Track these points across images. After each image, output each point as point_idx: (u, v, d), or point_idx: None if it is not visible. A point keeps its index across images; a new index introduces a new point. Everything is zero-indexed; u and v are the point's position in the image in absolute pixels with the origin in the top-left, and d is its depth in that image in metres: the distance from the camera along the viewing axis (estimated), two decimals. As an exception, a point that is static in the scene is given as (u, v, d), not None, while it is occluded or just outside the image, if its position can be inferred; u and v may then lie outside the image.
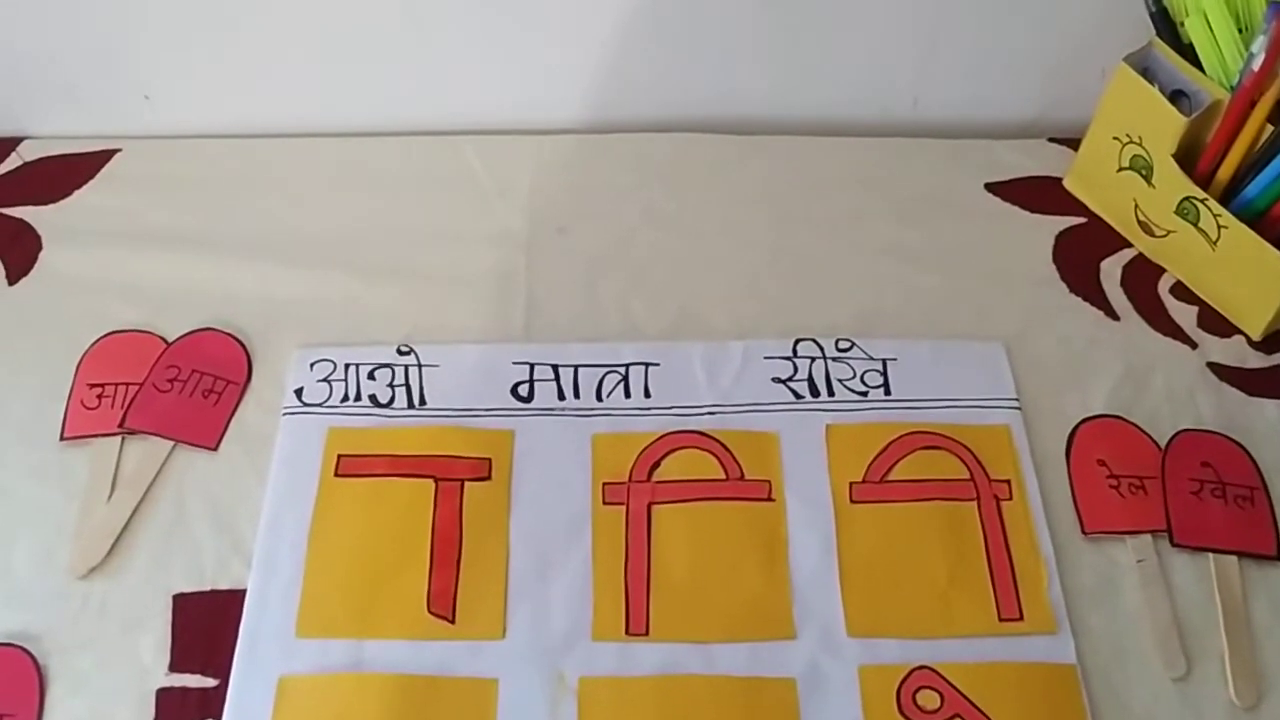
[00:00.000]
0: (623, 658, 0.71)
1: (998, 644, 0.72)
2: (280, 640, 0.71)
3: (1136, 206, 0.89)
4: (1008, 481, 0.78)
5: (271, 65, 0.94)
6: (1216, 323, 0.87)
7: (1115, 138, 0.88)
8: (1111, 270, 0.90)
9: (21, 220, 0.91)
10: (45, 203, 0.93)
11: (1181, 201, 0.85)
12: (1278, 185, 0.81)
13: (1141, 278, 0.90)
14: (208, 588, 0.74)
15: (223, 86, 0.95)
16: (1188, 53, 0.85)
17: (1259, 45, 0.78)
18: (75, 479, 0.78)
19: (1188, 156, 0.85)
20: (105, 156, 0.96)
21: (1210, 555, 0.76)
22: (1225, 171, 0.84)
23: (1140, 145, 0.87)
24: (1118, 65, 0.85)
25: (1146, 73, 0.86)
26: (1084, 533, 0.77)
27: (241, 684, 0.70)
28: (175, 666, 0.71)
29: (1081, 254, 0.91)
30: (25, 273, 0.89)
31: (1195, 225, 0.85)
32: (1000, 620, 0.73)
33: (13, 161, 0.95)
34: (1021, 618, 0.73)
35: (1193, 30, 0.83)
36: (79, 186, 0.94)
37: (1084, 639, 0.73)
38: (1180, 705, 0.71)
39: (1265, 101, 0.80)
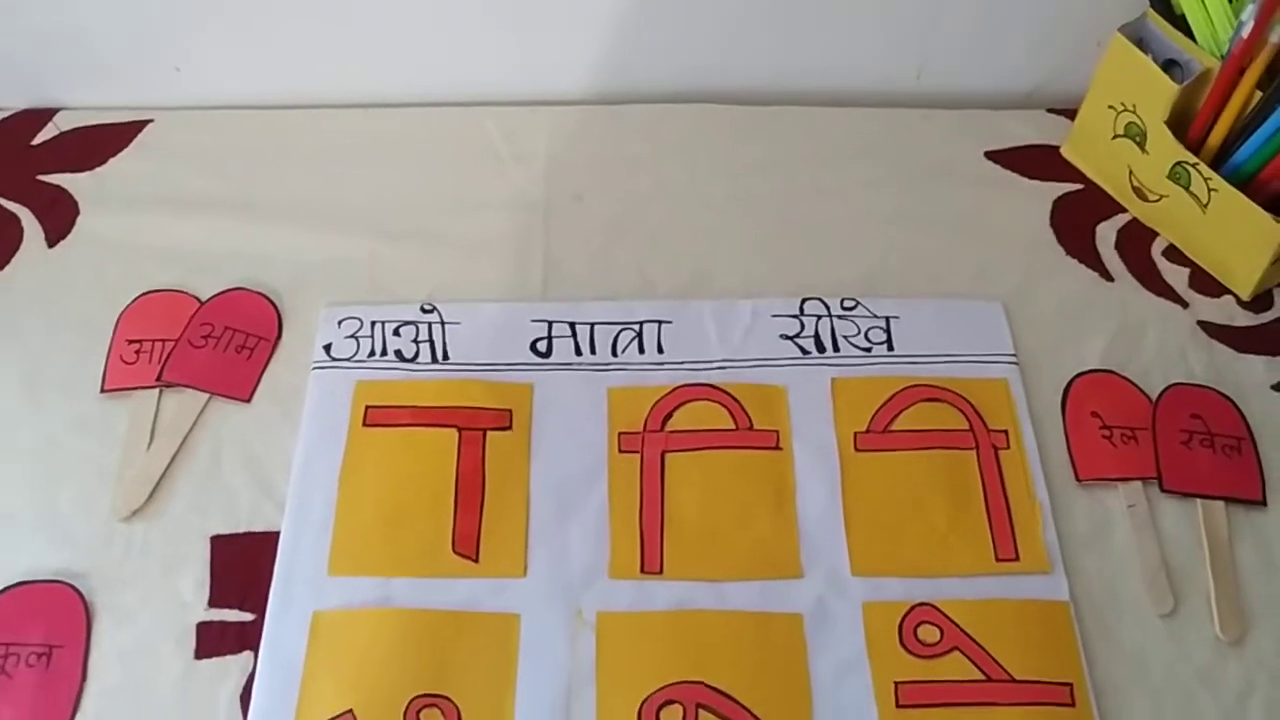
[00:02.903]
0: (638, 594, 0.75)
1: (995, 583, 0.76)
2: (313, 578, 0.75)
3: (1131, 172, 0.93)
4: (1005, 431, 0.82)
5: (298, 39, 0.97)
6: (1207, 283, 0.91)
7: (1110, 106, 0.92)
8: (1106, 234, 0.94)
9: (59, 187, 0.95)
10: (81, 170, 0.96)
11: (1174, 166, 0.89)
12: (1266, 149, 0.85)
13: (1135, 241, 0.93)
14: (243, 530, 0.78)
15: (250, 59, 0.99)
16: (1180, 23, 0.88)
17: (1248, 14, 0.81)
18: (116, 429, 0.82)
19: (1180, 123, 0.88)
20: (138, 127, 0.99)
21: (1198, 501, 0.80)
22: (1216, 137, 0.87)
23: (1134, 113, 0.90)
24: (1113, 36, 0.89)
25: (1141, 43, 0.89)
26: (1078, 480, 0.80)
27: (277, 618, 0.73)
28: (214, 602, 0.75)
29: (1078, 218, 0.94)
30: (63, 236, 0.92)
31: (1187, 189, 0.89)
32: (997, 560, 0.77)
33: (49, 131, 0.99)
34: (1017, 558, 0.77)
35: (1185, 1, 0.87)
36: (113, 155, 0.97)
37: (1077, 578, 0.76)
38: (1168, 640, 0.74)
39: (1254, 69, 0.84)
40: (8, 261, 0.91)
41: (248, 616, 0.74)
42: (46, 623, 0.74)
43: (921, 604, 0.75)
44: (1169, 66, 0.88)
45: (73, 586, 0.75)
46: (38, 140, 0.98)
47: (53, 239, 0.92)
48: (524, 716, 0.71)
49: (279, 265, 0.90)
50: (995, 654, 0.73)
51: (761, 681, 0.72)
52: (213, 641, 0.74)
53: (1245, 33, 0.82)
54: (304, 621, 0.73)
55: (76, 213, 0.93)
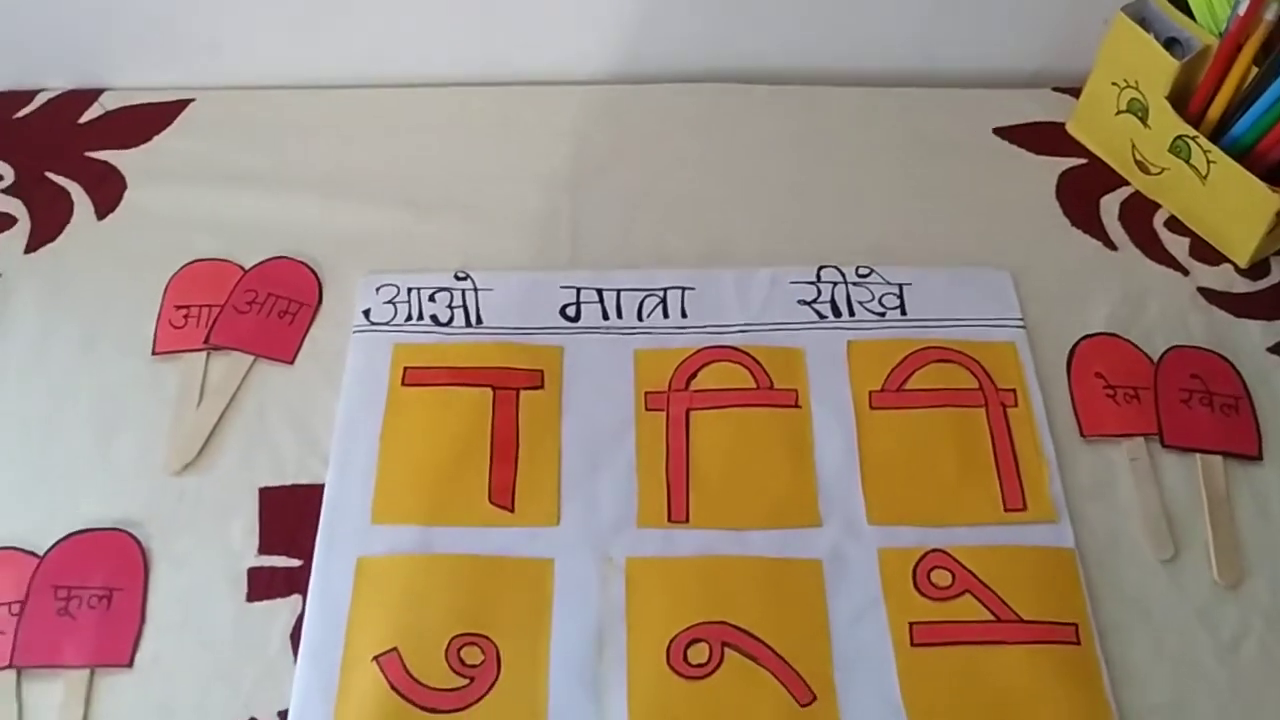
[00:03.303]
0: (665, 542, 0.79)
1: (1004, 531, 0.80)
2: (357, 526, 0.79)
3: (1133, 146, 0.97)
4: (1013, 390, 0.86)
5: (334, 22, 1.01)
6: (1206, 252, 0.95)
7: (1114, 83, 0.96)
8: (1110, 206, 0.98)
9: (107, 163, 0.99)
10: (127, 147, 1.00)
11: (1175, 140, 0.93)
12: (1263, 122, 0.89)
13: (1138, 212, 0.97)
14: (289, 482, 0.82)
15: (287, 41, 1.03)
16: (1180, 3, 0.92)
17: (1244, -7, 0.85)
18: (166, 389, 0.86)
19: (1180, 99, 0.92)
20: (180, 106, 1.04)
21: (1197, 456, 0.84)
22: (1215, 111, 0.91)
23: (1137, 89, 0.94)
24: (1116, 15, 0.93)
25: (1143, 23, 0.93)
26: (1082, 435, 0.84)
27: (324, 563, 0.78)
28: (263, 549, 0.79)
29: (1082, 191, 0.98)
30: (112, 209, 0.97)
31: (1187, 162, 0.93)
32: (1006, 510, 0.81)
33: (95, 111, 1.03)
34: (1025, 508, 0.81)
35: (1185, -19, 0.91)
36: (158, 132, 1.02)
37: (1081, 527, 0.80)
38: (1168, 584, 0.78)
39: (1250, 45, 0.88)
40: (59, 233, 0.95)
41: (295, 562, 0.78)
42: (106, 568, 0.78)
43: (934, 550, 0.79)
44: (1170, 44, 0.92)
45: (130, 534, 0.79)
46: (84, 119, 1.03)
47: (102, 212, 0.96)
48: (559, 653, 0.74)
49: (318, 236, 0.94)
50: (1004, 596, 0.77)
51: (783, 622, 0.76)
52: (263, 585, 0.78)
53: (1242, 10, 0.86)
54: (349, 566, 0.77)
55: (124, 187, 0.98)
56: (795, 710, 0.73)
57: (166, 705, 0.73)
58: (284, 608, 0.77)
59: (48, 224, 0.95)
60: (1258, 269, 0.94)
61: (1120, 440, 0.84)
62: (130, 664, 0.75)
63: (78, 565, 0.78)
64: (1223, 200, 0.91)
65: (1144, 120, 0.94)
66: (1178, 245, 0.95)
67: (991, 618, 0.76)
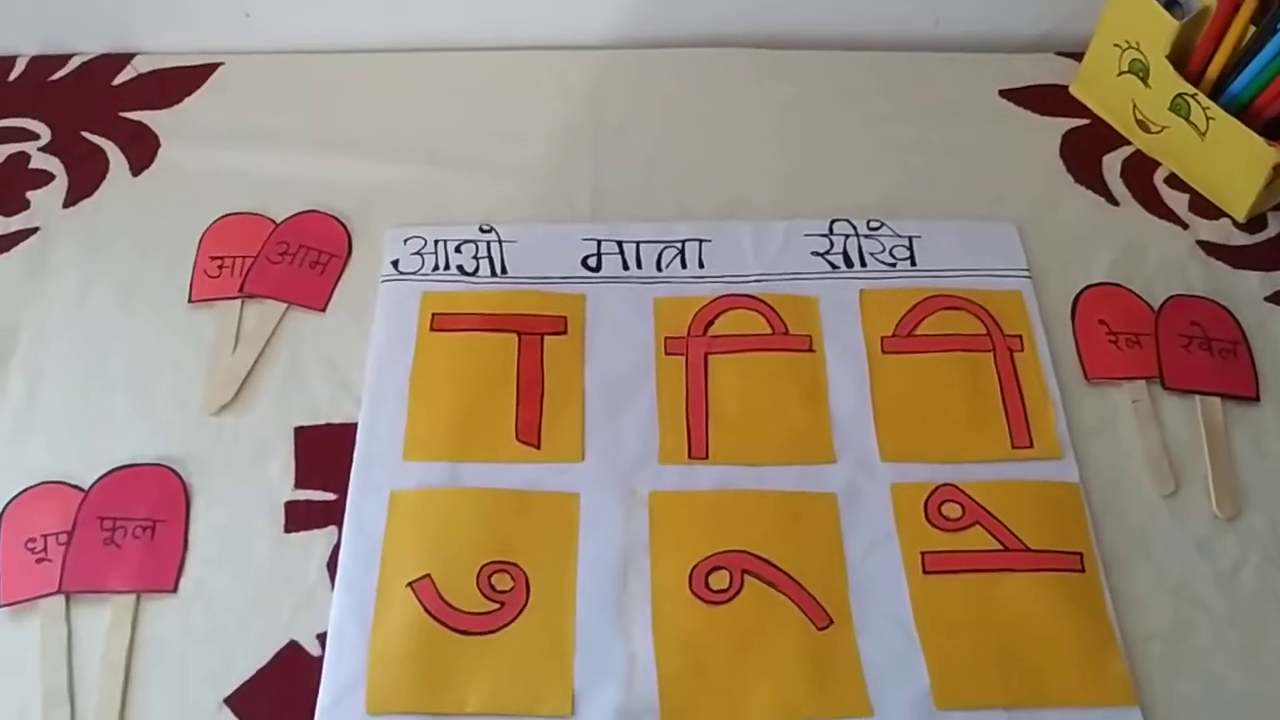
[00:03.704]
0: (686, 476, 0.82)
1: (1011, 467, 0.83)
2: (389, 462, 0.82)
3: (1134, 106, 1.00)
4: (1020, 336, 0.89)
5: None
6: (1205, 207, 0.98)
7: (1116, 44, 0.99)
8: (1112, 164, 1.01)
9: (140, 122, 1.03)
10: (160, 108, 1.04)
11: (1175, 98, 0.96)
12: (1260, 79, 0.92)
13: (1139, 170, 1.01)
14: (323, 421, 0.85)
15: (314, 6, 1.06)
16: (1180, -35, 0.96)
17: (1242, -47, 0.88)
18: (202, 335, 0.89)
19: (1180, 58, 0.96)
20: (210, 69, 1.07)
21: (1197, 397, 0.87)
22: (1213, 69, 0.94)
23: (1138, 50, 0.97)
24: (1118, -22, 0.96)
25: (1144, -15, 0.96)
26: (1086, 379, 0.88)
27: (359, 497, 0.81)
28: (299, 484, 0.82)
29: (1085, 150, 1.02)
30: (146, 167, 1.00)
31: (1186, 119, 0.96)
32: (1013, 448, 0.84)
33: (128, 73, 1.07)
34: (1031, 446, 0.84)
35: (1185, -55, 0.94)
36: (189, 94, 1.05)
37: (1086, 464, 0.84)
38: (1169, 517, 0.82)
39: (1247, 5, 0.91)
40: (96, 188, 0.98)
41: (331, 496, 0.82)
42: (150, 500, 0.81)
43: (945, 485, 0.82)
44: (1170, 5, 0.95)
45: (172, 469, 0.82)
46: (118, 81, 1.06)
47: (136, 169, 0.99)
48: (585, 580, 0.78)
49: (346, 191, 0.97)
50: (1012, 527, 0.80)
51: (800, 551, 0.79)
52: (300, 517, 0.81)
53: (1240, -30, 0.89)
54: (383, 499, 0.81)
55: (157, 145, 1.01)
56: (813, 633, 0.76)
57: (210, 628, 0.76)
58: (320, 539, 0.80)
59: (85, 180, 0.99)
60: (1255, 223, 0.97)
61: (1122, 383, 0.88)
62: (175, 590, 0.78)
63: (122, 498, 0.81)
64: (1221, 156, 0.94)
65: (1145, 80, 0.97)
66: (1177, 201, 0.98)
67: (1000, 547, 0.79)
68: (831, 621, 0.76)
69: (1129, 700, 0.74)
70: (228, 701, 0.74)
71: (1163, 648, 0.76)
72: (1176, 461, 0.84)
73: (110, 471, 0.82)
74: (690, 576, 0.78)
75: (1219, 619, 0.78)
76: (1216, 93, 0.94)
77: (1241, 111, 0.93)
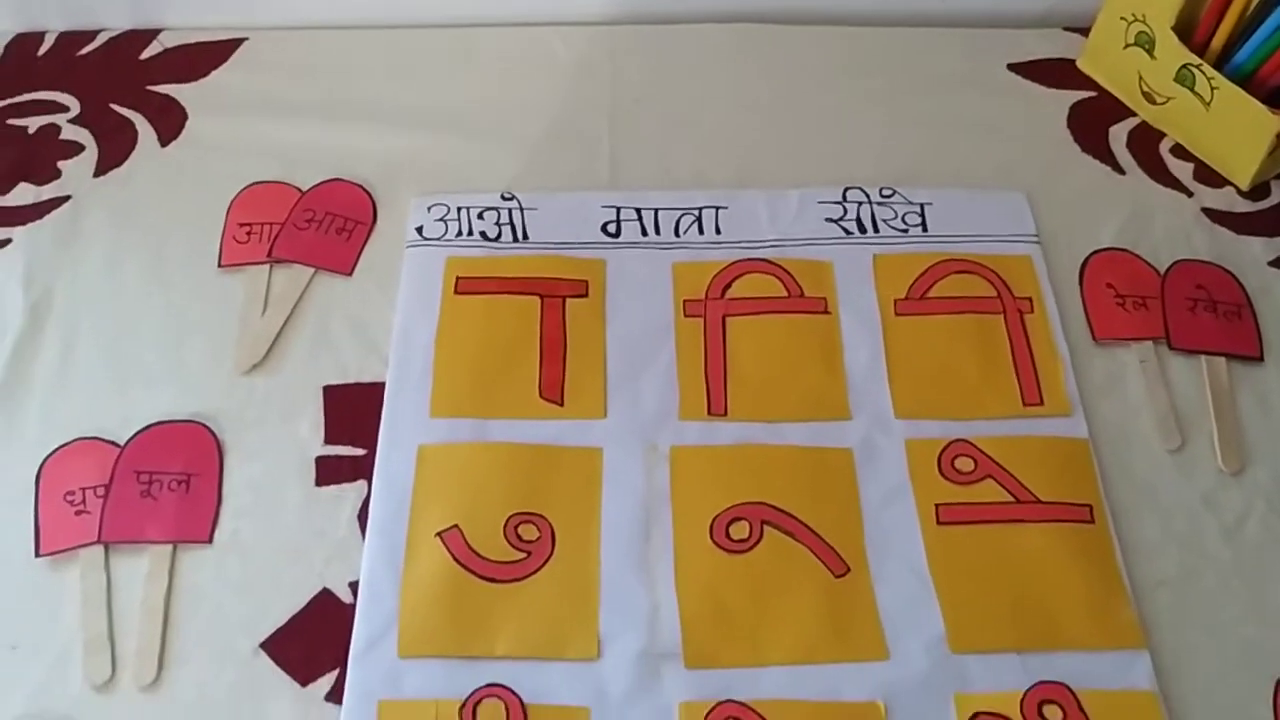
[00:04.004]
0: (705, 432, 0.85)
1: (1022, 423, 0.85)
2: (417, 418, 0.85)
3: (1140, 78, 1.02)
4: (1029, 299, 0.91)
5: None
6: (1210, 176, 1.00)
7: (1122, 18, 1.02)
8: (1119, 134, 1.03)
9: (168, 95, 1.05)
10: (186, 81, 1.06)
11: (1180, 69, 0.98)
12: (1264, 49, 0.94)
13: (1144, 140, 1.03)
14: (351, 380, 0.87)
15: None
16: (1186, -61, 0.98)
17: (1246, -75, 0.91)
18: (233, 299, 0.92)
19: (1185, 30, 0.98)
20: (234, 44, 1.09)
21: (1203, 357, 0.89)
22: (1218, 40, 0.97)
23: (1144, 22, 1.00)
24: (1125, -49, 0.98)
25: (1150, -41, 0.99)
26: (1095, 339, 0.90)
27: (388, 451, 0.83)
28: (329, 440, 0.85)
29: (1092, 122, 1.04)
30: (174, 138, 1.02)
31: (1191, 90, 0.98)
32: (1024, 405, 0.86)
33: (155, 48, 1.09)
34: (1042, 403, 0.86)
35: (1190, -83, 0.97)
36: (214, 68, 1.07)
37: (1095, 420, 0.86)
38: (1176, 472, 0.84)
39: (1252, -25, 0.93)
40: (125, 159, 1.00)
41: (360, 451, 0.84)
42: (184, 455, 0.83)
43: (957, 440, 0.84)
44: (1176, -22, 0.98)
45: (205, 425, 0.85)
46: (145, 55, 1.08)
47: (165, 140, 1.02)
48: (609, 530, 0.80)
49: (371, 161, 1.00)
50: (1023, 480, 0.82)
51: (818, 503, 0.81)
52: (330, 471, 0.83)
53: (1244, -58, 0.91)
54: (411, 453, 0.83)
55: (185, 118, 1.03)
56: (830, 580, 0.78)
57: (245, 577, 0.79)
58: (350, 492, 0.82)
59: (114, 151, 1.01)
60: (1259, 191, 0.99)
61: (1130, 344, 0.90)
62: (210, 541, 0.80)
63: (157, 453, 0.83)
64: (1225, 125, 0.97)
65: (1150, 52, 1.00)
66: (1182, 170, 1.01)
67: (1011, 499, 0.82)
68: (848, 569, 0.79)
69: (1138, 644, 0.76)
70: (263, 646, 0.76)
71: (1170, 595, 0.79)
72: (1183, 418, 0.86)
73: (145, 428, 0.85)
74: (711, 527, 0.80)
75: (1225, 568, 0.80)
76: (1221, 63, 0.96)
77: (1245, 81, 0.95)
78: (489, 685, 0.74)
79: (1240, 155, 0.97)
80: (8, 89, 1.05)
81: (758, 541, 0.80)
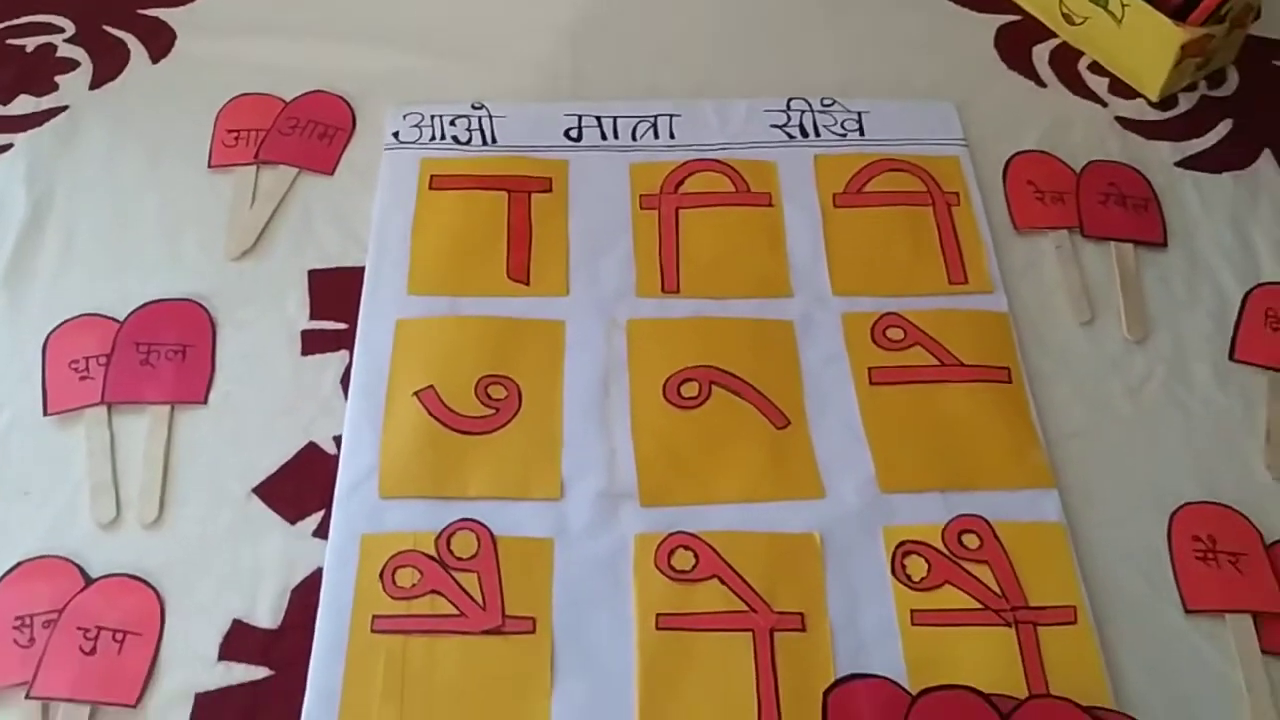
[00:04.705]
0: (660, 307, 0.93)
1: (948, 299, 0.94)
2: (395, 295, 0.92)
3: (1060, 1, 1.11)
4: (957, 193, 1.00)
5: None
6: (1124, 89, 1.10)
7: (1045, -55, 1.11)
8: (1041, 54, 1.13)
9: (157, 18, 1.12)
10: (176, 5, 1.13)
11: (1095, -11, 1.08)
12: (1169, -32, 1.03)
13: (1065, 59, 1.12)
14: (334, 265, 0.95)
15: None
16: None
17: None
18: (222, 195, 0.99)
19: (1101, -46, 1.07)
20: (220, -29, 1.16)
21: (1112, 243, 0.98)
22: (1129, -37, 1.06)
23: (1064, -52, 1.09)
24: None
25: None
26: (1016, 229, 0.99)
27: (368, 323, 0.91)
28: (314, 316, 0.92)
29: (1017, 41, 1.13)
30: (164, 56, 1.09)
31: (1105, 8, 1.07)
32: (950, 284, 0.95)
33: (145, -25, 1.16)
34: (967, 281, 0.95)
35: None
36: (200, -5, 1.14)
37: (1014, 297, 0.95)
38: (1086, 341, 0.93)
39: (1157, -98, 1.02)
40: (119, 74, 1.08)
41: (342, 325, 0.91)
42: (179, 329, 0.91)
43: (889, 313, 0.93)
44: (1090, -94, 1.07)
45: (199, 303, 0.92)
46: (134, -18, 1.15)
47: (155, 58, 1.09)
48: (571, 390, 0.88)
49: (351, 77, 1.07)
50: (948, 347, 0.91)
51: (762, 368, 0.90)
52: (315, 343, 0.91)
53: None
54: (390, 325, 0.91)
55: (174, 38, 1.11)
56: (773, 431, 0.86)
57: (238, 433, 0.86)
58: (334, 360, 0.90)
59: (108, 67, 1.08)
60: (1168, 103, 1.08)
61: (1047, 232, 0.99)
62: (205, 402, 0.87)
63: (154, 327, 0.91)
64: (1136, 39, 1.06)
65: (1069, -25, 1.09)
66: (1099, 84, 1.10)
67: (937, 363, 0.90)
68: (789, 422, 0.87)
69: (1048, 483, 0.84)
70: (255, 491, 0.84)
71: (1079, 444, 0.87)
72: (1093, 296, 0.95)
73: (143, 305, 0.92)
74: (664, 386, 0.88)
75: (1128, 422, 0.89)
76: (1132, -17, 1.06)
77: (1153, -1, 1.04)
78: (462, 520, 0.81)
79: (1150, 67, 1.06)
80: (6, 12, 1.12)
81: (706, 399, 0.88)
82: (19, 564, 0.80)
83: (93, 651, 0.76)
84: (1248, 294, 0.95)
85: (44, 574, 0.79)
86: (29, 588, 0.79)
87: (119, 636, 0.77)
